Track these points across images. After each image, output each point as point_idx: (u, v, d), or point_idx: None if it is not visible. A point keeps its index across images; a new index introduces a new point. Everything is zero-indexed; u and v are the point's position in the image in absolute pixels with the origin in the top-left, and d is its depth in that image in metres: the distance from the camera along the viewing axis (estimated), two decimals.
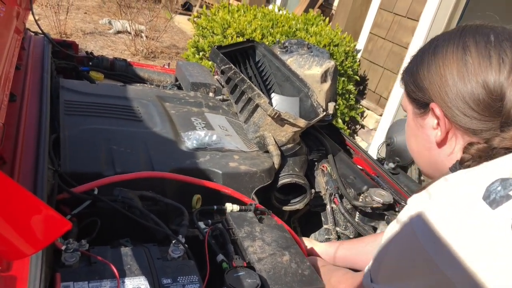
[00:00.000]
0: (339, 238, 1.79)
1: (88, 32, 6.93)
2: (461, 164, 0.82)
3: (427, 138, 0.90)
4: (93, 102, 1.75)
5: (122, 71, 2.43)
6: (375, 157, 2.07)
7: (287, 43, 2.12)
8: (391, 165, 1.94)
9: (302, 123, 1.67)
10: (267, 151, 1.73)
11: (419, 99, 0.91)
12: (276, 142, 1.71)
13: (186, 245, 1.17)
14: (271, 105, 1.72)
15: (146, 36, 6.81)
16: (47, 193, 1.08)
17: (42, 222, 0.63)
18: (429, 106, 0.88)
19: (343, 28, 4.58)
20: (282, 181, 1.70)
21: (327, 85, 2.00)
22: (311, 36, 4.10)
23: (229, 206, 1.46)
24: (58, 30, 6.23)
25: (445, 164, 0.87)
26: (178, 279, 1.06)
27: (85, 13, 7.99)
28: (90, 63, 2.40)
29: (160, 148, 1.55)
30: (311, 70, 1.96)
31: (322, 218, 1.86)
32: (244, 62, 2.07)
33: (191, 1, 9.62)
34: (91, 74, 2.28)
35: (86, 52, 2.49)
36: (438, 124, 0.86)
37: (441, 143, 0.88)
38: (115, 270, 1.01)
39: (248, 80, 1.72)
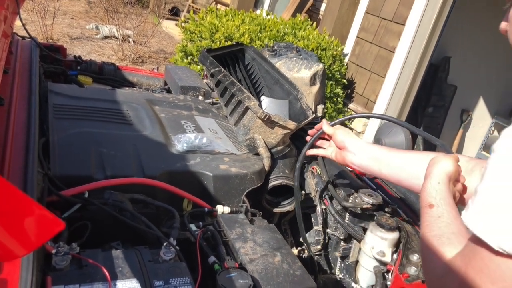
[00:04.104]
0: (329, 239, 1.80)
1: (75, 37, 6.89)
2: None
3: None
4: (82, 105, 1.74)
5: (110, 75, 2.42)
6: None
7: (276, 46, 2.13)
8: None
9: (291, 125, 1.68)
10: (257, 154, 1.73)
11: None
12: (266, 145, 1.72)
13: (178, 247, 1.16)
14: (261, 107, 1.73)
15: (133, 41, 6.80)
16: (36, 196, 1.07)
17: (34, 222, 0.62)
18: None
19: (330, 32, 4.62)
20: (273, 183, 1.70)
21: (316, 88, 2.01)
22: (298, 40, 4.13)
23: (220, 208, 1.46)
24: (44, 35, 6.19)
25: None
26: (170, 281, 1.06)
27: (72, 18, 7.95)
28: (79, 67, 2.39)
29: (150, 151, 1.54)
30: (300, 73, 1.98)
31: (313, 220, 1.86)
32: (234, 65, 2.08)
33: (178, 6, 9.63)
34: (79, 78, 2.26)
35: (74, 56, 2.48)
36: None
37: None
38: (106, 273, 1.01)
39: (237, 83, 1.73)
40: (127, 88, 2.27)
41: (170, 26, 8.61)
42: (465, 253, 0.69)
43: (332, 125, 1.54)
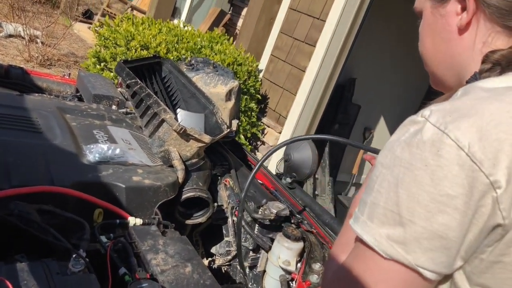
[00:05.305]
0: None
1: None
2: (480, 75, 0.75)
3: (448, 27, 0.82)
4: None
5: (18, 79, 2.30)
6: (274, 172, 2.20)
7: (193, 61, 2.18)
8: (288, 180, 2.07)
9: (207, 138, 1.73)
10: (171, 166, 1.76)
11: None
12: (180, 157, 1.75)
13: (87, 259, 1.16)
14: (177, 120, 1.76)
15: (42, 42, 6.44)
16: None
17: None
18: None
19: (246, 48, 4.75)
20: (186, 195, 1.74)
21: (231, 104, 2.09)
22: (215, 54, 4.20)
23: (132, 220, 1.46)
24: None
25: (461, 57, 0.81)
26: None
27: None
28: None
29: (61, 161, 1.50)
30: (216, 88, 2.04)
31: (224, 231, 1.92)
32: (150, 77, 2.09)
33: (92, 10, 9.29)
34: None
35: None
36: (462, 9, 0.79)
37: (463, 30, 0.80)
38: (10, 286, 0.98)
39: (154, 95, 1.75)
40: (36, 94, 2.17)
41: (82, 29, 8.28)
42: (352, 256, 0.75)
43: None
